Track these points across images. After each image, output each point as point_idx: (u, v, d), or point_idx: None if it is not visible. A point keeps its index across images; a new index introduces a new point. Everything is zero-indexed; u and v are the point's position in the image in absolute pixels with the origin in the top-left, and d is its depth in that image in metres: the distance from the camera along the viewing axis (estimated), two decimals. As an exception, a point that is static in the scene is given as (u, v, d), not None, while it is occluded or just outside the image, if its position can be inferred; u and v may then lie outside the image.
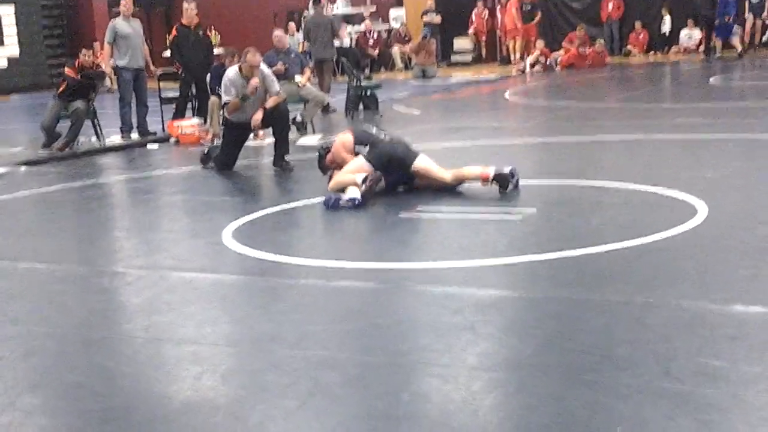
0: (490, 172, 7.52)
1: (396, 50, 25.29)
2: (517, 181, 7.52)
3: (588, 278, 5.10)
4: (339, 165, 8.01)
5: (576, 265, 5.36)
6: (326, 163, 8.18)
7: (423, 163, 7.74)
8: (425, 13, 24.95)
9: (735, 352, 3.85)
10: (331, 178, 8.19)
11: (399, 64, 25.13)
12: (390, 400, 3.60)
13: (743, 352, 3.85)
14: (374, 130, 8.19)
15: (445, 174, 7.71)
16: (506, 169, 7.50)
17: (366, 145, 7.89)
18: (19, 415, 3.69)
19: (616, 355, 3.89)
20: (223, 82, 9.97)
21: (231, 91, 9.61)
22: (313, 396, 3.67)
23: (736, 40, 21.85)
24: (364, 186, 7.36)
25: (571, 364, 3.83)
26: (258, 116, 9.62)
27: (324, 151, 8.24)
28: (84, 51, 12.35)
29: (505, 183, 7.47)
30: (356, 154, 7.90)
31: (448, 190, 7.65)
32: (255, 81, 9.58)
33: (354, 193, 7.32)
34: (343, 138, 8.15)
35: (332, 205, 7.26)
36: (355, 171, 7.64)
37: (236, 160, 9.87)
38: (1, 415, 3.69)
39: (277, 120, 9.79)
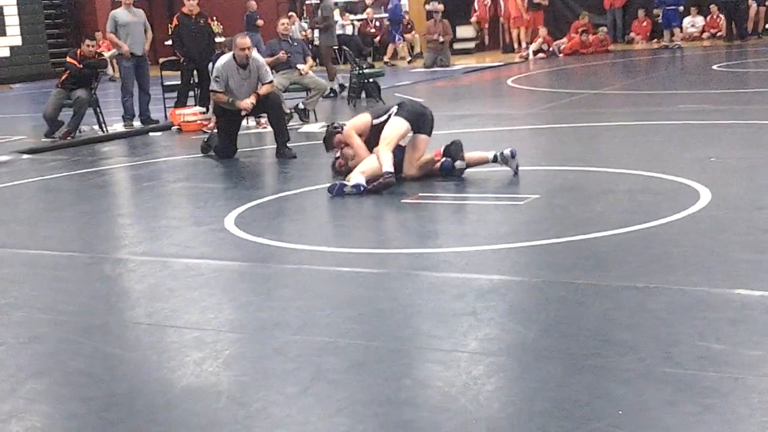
0: (441, 149, 7.70)
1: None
2: (518, 166, 7.53)
3: (590, 263, 5.10)
4: (345, 148, 7.98)
5: (578, 250, 5.36)
6: (333, 142, 8.14)
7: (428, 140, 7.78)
8: (428, 1, 24.87)
9: (736, 336, 3.85)
10: (335, 166, 8.18)
11: (401, 52, 25.07)
12: (392, 385, 3.61)
13: (745, 336, 3.85)
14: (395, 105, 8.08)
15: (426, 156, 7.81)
16: (506, 151, 7.53)
17: (384, 114, 7.84)
18: (22, 402, 3.70)
19: (618, 340, 3.89)
20: (215, 67, 9.98)
21: (220, 79, 9.62)
22: (316, 381, 3.67)
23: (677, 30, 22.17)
24: (380, 180, 7.30)
25: (572, 349, 3.83)
26: (246, 103, 9.61)
27: (333, 129, 8.20)
28: (87, 42, 12.33)
29: (455, 155, 7.54)
30: (376, 125, 7.80)
31: (451, 176, 7.63)
32: (247, 104, 9.58)
33: (359, 179, 7.30)
34: (357, 119, 8.11)
35: (337, 192, 7.25)
36: (396, 131, 7.56)
37: (236, 147, 9.86)
38: (4, 402, 3.70)
39: (270, 108, 9.80)
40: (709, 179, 6.83)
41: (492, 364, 3.78)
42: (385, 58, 23.98)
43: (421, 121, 7.72)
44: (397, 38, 24.12)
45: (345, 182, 7.36)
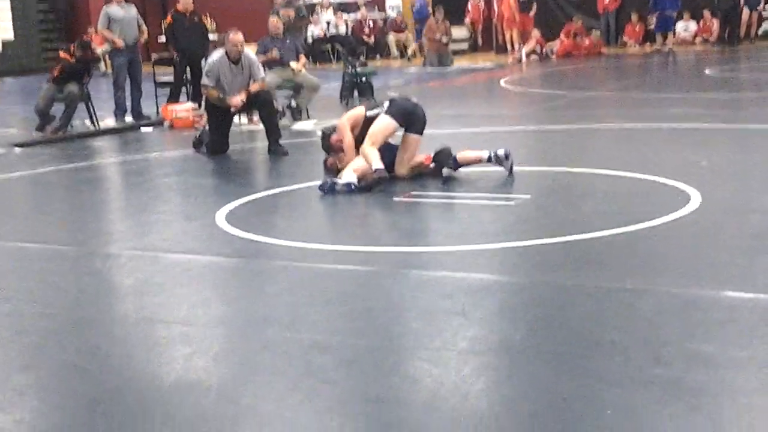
0: (431, 154, 7.68)
1: (391, 38, 25.26)
2: (512, 166, 7.53)
3: (580, 264, 5.10)
4: (341, 149, 7.98)
5: (568, 250, 5.37)
6: (331, 143, 8.14)
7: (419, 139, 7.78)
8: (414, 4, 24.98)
9: (725, 338, 3.86)
10: (328, 164, 8.18)
11: (394, 52, 25.10)
12: (381, 383, 3.60)
13: (733, 337, 3.86)
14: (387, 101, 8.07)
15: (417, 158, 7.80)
16: (500, 151, 7.54)
17: (377, 108, 7.84)
18: (10, 395, 3.69)
19: (607, 341, 3.89)
20: (208, 62, 9.98)
21: (211, 74, 9.62)
22: (305, 378, 3.67)
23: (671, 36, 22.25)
24: (371, 176, 7.30)
25: (561, 350, 3.83)
26: (236, 100, 9.60)
27: (329, 131, 8.20)
28: (85, 36, 12.29)
29: (444, 162, 7.54)
30: (369, 118, 7.81)
31: (443, 176, 7.63)
32: (237, 100, 9.58)
33: (350, 177, 7.30)
34: (353, 112, 8.11)
35: (328, 190, 7.25)
36: (382, 130, 7.56)
37: (227, 143, 9.85)
38: (-9, 394, 3.69)
39: (261, 105, 9.80)
40: (700, 182, 6.84)
41: (481, 363, 3.78)
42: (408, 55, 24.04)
43: (411, 120, 7.71)
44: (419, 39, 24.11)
45: (336, 180, 7.36)
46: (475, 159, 7.70)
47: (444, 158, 7.59)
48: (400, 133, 7.75)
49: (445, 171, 7.54)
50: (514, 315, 4.37)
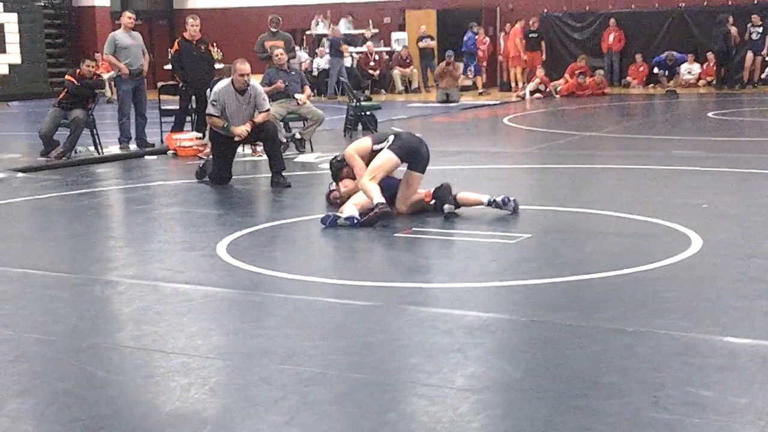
0: (431, 190, 7.68)
1: (396, 72, 25.38)
2: (514, 208, 7.54)
3: (580, 304, 5.10)
4: (350, 176, 8.00)
5: (568, 291, 5.37)
6: (342, 174, 8.15)
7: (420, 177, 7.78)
8: (420, 39, 25.09)
9: (724, 383, 3.85)
10: (329, 197, 8.20)
11: (399, 86, 25.21)
12: (377, 418, 3.60)
13: (732, 383, 3.86)
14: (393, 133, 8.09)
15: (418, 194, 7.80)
16: (499, 198, 7.54)
17: (383, 142, 7.84)
18: (5, 421, 3.68)
19: (606, 382, 3.89)
20: (213, 91, 10.01)
21: (217, 103, 9.66)
22: (302, 412, 3.66)
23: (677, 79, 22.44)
24: (372, 212, 7.30)
25: (560, 390, 3.83)
26: (241, 129, 9.64)
27: (339, 162, 8.22)
28: (87, 62, 12.35)
29: (444, 198, 7.55)
30: (375, 152, 7.82)
31: (444, 212, 7.64)
32: (242, 130, 9.62)
33: (352, 211, 7.31)
34: (359, 143, 8.13)
35: (330, 223, 7.26)
36: (383, 165, 7.56)
37: (230, 173, 9.87)
38: (-13, 419, 3.68)
39: (265, 136, 9.82)
40: (701, 225, 6.86)
41: (478, 401, 3.78)
42: (480, 90, 24.11)
43: (414, 158, 7.72)
44: (467, 70, 24.18)
45: (338, 214, 7.36)
46: (475, 202, 7.69)
47: (444, 195, 7.60)
48: (402, 168, 7.76)
49: (446, 207, 7.54)
50: (513, 354, 4.36)
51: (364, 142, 8.07)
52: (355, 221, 7.23)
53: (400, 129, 8.36)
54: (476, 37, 23.96)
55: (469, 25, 24.14)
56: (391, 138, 7.81)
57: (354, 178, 7.98)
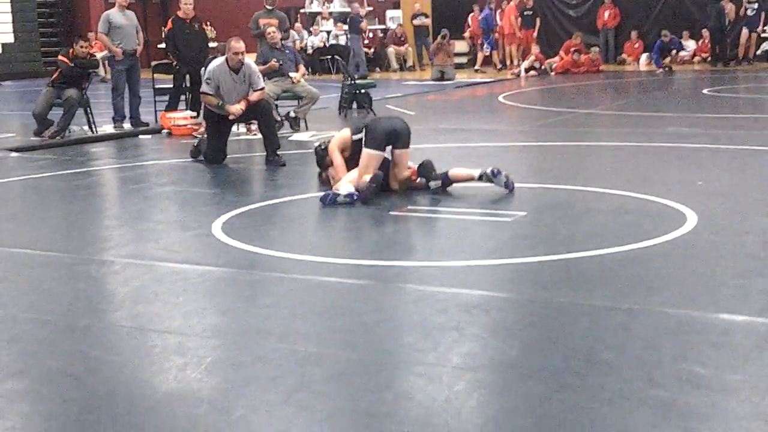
0: (416, 167, 7.71)
1: (391, 50, 25.32)
2: (507, 183, 7.53)
3: (575, 282, 5.11)
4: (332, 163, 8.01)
5: (563, 268, 5.37)
6: (327, 162, 8.16)
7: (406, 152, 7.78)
8: (415, 17, 25.02)
9: (718, 360, 3.86)
10: (322, 178, 8.20)
11: (394, 64, 25.15)
12: (374, 397, 3.60)
13: (726, 360, 3.87)
14: (369, 116, 8.12)
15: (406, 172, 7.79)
16: (488, 170, 7.54)
17: (360, 132, 7.83)
18: (1, 402, 3.68)
19: (601, 360, 3.90)
20: (207, 69, 9.98)
21: (211, 81, 9.63)
22: (298, 391, 3.67)
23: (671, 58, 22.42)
24: (368, 183, 7.31)
25: (555, 367, 3.83)
26: (236, 108, 9.62)
27: (323, 150, 8.23)
28: (81, 42, 12.29)
29: (428, 175, 7.59)
30: (355, 141, 7.82)
31: (440, 191, 7.64)
32: (236, 109, 9.60)
33: (350, 188, 7.31)
34: (340, 135, 8.13)
35: (330, 201, 7.24)
36: (368, 165, 7.53)
37: (225, 152, 9.85)
38: (-17, 400, 3.68)
39: (260, 114, 9.80)
40: (696, 202, 6.86)
41: (474, 379, 3.78)
42: (476, 66, 24.01)
43: (393, 137, 7.70)
44: (485, 47, 24.13)
45: (338, 192, 7.35)
46: (467, 176, 7.70)
47: (426, 172, 7.66)
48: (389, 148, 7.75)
49: (432, 184, 7.59)
50: (509, 332, 4.37)
51: (344, 134, 8.10)
52: (355, 197, 7.23)
53: (369, 118, 8.26)
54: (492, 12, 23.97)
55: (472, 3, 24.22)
56: (364, 132, 7.78)
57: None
